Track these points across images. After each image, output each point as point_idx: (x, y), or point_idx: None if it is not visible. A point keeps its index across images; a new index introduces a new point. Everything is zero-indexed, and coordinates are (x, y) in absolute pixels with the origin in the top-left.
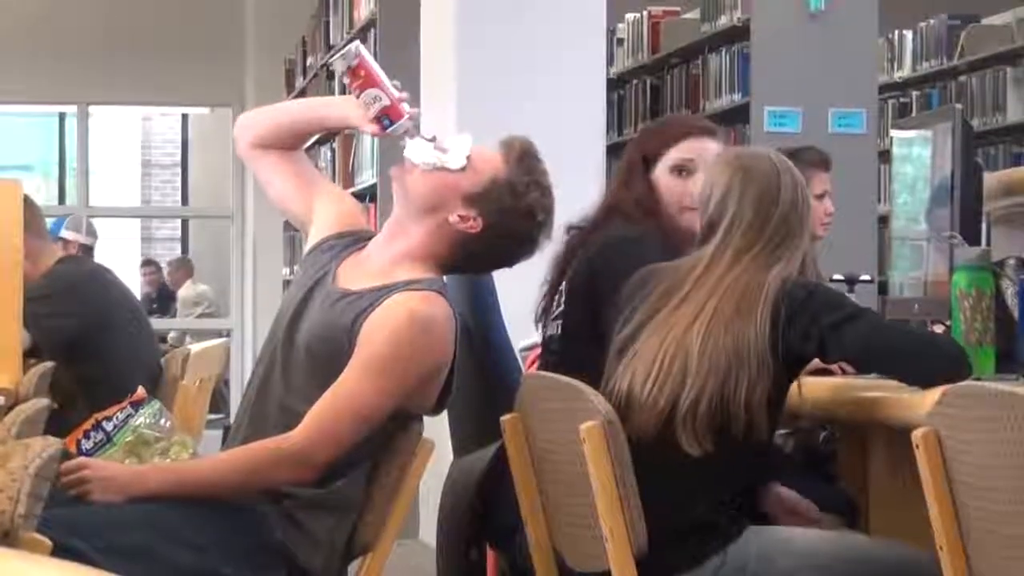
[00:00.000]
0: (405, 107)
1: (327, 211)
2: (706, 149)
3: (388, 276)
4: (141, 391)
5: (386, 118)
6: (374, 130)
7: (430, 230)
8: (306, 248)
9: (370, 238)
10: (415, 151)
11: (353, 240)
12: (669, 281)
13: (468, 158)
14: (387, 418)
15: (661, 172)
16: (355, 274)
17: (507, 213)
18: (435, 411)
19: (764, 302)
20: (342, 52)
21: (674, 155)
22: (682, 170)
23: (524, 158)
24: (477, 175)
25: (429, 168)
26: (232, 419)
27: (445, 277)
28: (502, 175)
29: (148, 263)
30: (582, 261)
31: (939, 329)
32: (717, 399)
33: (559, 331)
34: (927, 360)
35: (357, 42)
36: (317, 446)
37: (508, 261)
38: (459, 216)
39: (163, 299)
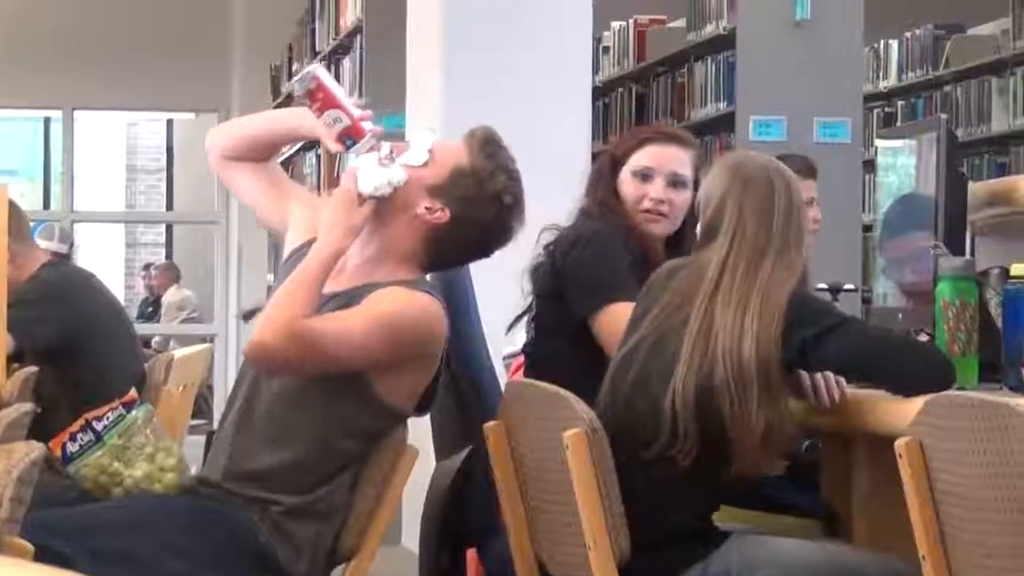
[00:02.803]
0: (367, 125)
1: (302, 217)
2: (669, 156)
3: (368, 276)
4: (133, 393)
5: (348, 138)
6: (339, 149)
7: (401, 226)
8: (284, 255)
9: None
10: (365, 180)
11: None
12: (678, 292)
13: (430, 151)
14: (370, 413)
15: (624, 175)
16: (334, 277)
17: (473, 201)
18: (417, 412)
19: (778, 318)
20: (299, 76)
21: (635, 160)
22: (642, 175)
23: (486, 145)
24: (440, 167)
25: (380, 197)
26: (215, 425)
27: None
28: (465, 163)
29: (149, 267)
30: (547, 263)
31: (923, 339)
32: (739, 415)
33: (532, 332)
34: (912, 370)
35: (315, 64)
36: (296, 339)
37: (483, 250)
38: (426, 208)
39: (154, 305)
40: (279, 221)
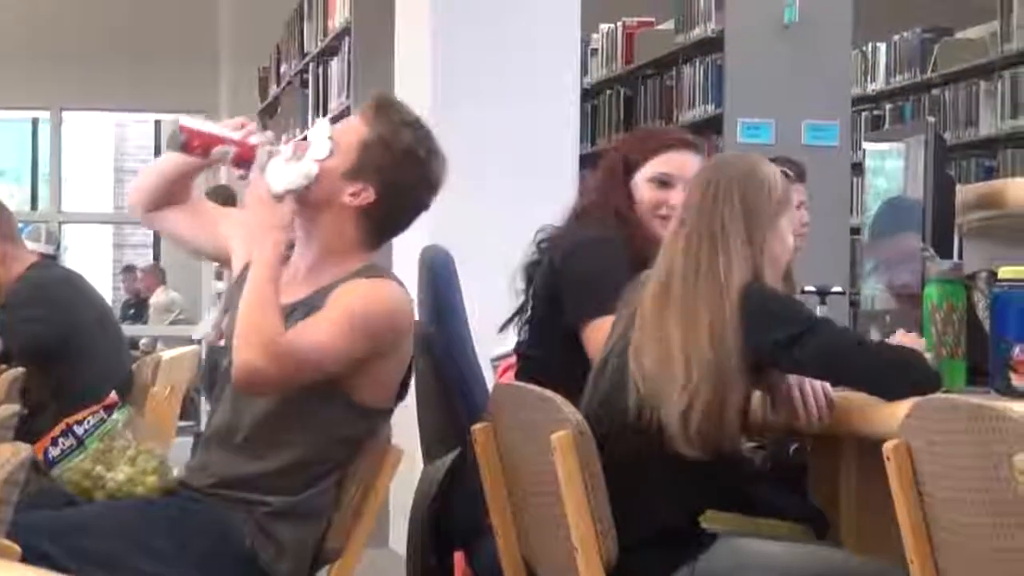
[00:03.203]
0: (253, 139)
1: (239, 240)
2: (688, 164)
3: (321, 278)
4: (113, 396)
5: (244, 162)
6: (243, 173)
7: (334, 221)
8: (232, 281)
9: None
10: (277, 180)
11: None
12: (649, 290)
13: (331, 139)
14: (353, 418)
15: (640, 180)
16: (289, 289)
17: (390, 168)
18: (396, 401)
19: (727, 311)
20: (168, 137)
21: (655, 166)
22: (661, 182)
23: (380, 110)
24: (346, 150)
25: (297, 190)
26: (203, 427)
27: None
28: (367, 136)
29: (128, 269)
30: (547, 263)
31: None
32: (709, 409)
33: (526, 335)
34: (892, 373)
35: (177, 119)
36: (284, 358)
37: (419, 208)
38: (350, 195)
39: (139, 306)
40: (219, 251)
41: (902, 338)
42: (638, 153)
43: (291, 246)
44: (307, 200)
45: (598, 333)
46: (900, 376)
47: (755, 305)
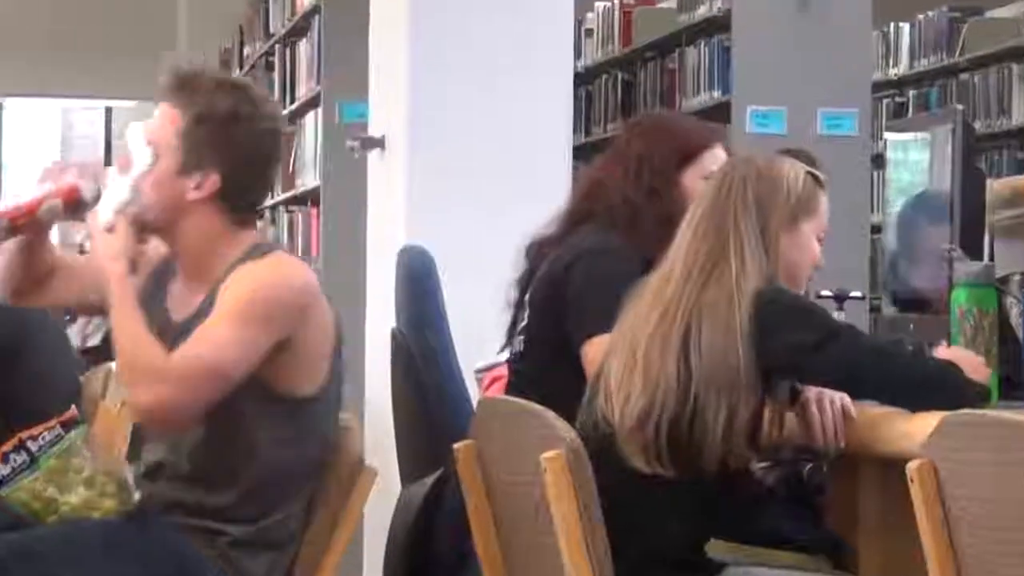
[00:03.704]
0: (69, 178)
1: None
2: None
3: (204, 284)
4: (73, 410)
5: (76, 205)
6: (81, 220)
7: (193, 221)
8: None
9: (158, 271)
10: (103, 208)
11: (154, 283)
12: (645, 297)
13: (150, 143)
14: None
15: (690, 182)
16: (180, 301)
17: (220, 142)
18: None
19: (739, 315)
20: None
21: (710, 163)
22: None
23: (183, 86)
24: (167, 146)
25: (129, 207)
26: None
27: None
28: (181, 120)
29: None
30: (545, 272)
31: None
32: (695, 425)
33: (521, 347)
34: (922, 386)
35: None
36: (181, 382)
37: (272, 162)
38: (194, 189)
39: None
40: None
41: (949, 353)
42: (698, 144)
43: (158, 271)
44: (156, 217)
45: (597, 353)
46: (933, 393)
47: (771, 310)
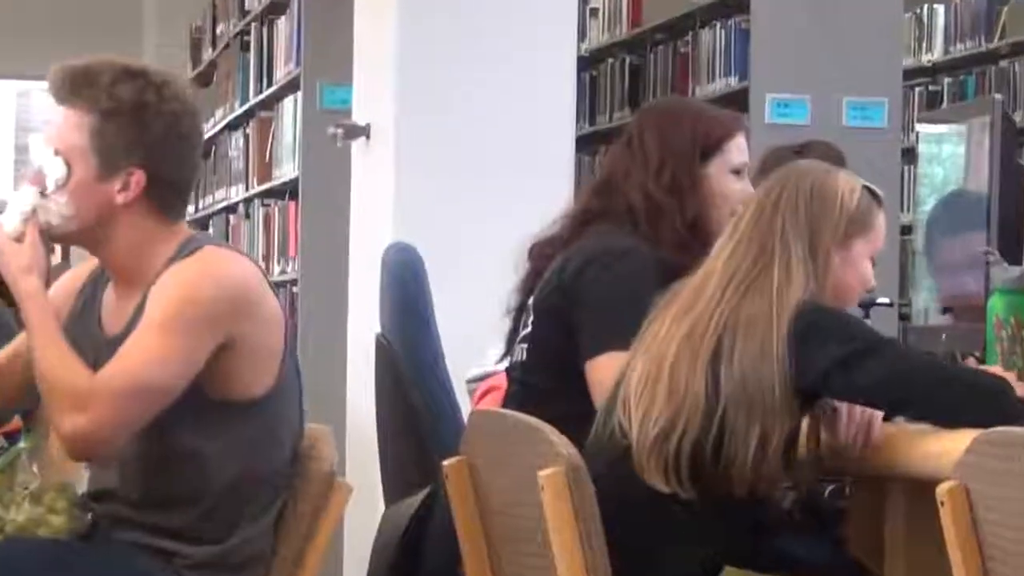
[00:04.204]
0: None
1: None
2: (746, 148)
3: (136, 290)
4: (16, 421)
5: None
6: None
7: (124, 225)
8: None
9: (87, 285)
10: (8, 222)
11: (83, 300)
12: (673, 306)
13: (58, 153)
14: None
15: (717, 173)
16: (115, 313)
17: (136, 136)
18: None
19: (776, 332)
20: None
21: (730, 153)
22: (736, 171)
23: (77, 84)
24: (80, 152)
25: (39, 216)
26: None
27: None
28: (88, 122)
29: None
30: (553, 275)
31: (970, 363)
32: (723, 446)
33: (524, 356)
34: (967, 403)
35: None
36: (111, 401)
37: (196, 146)
38: (120, 192)
39: None
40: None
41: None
42: (718, 135)
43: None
44: (80, 229)
45: (604, 371)
46: (987, 408)
47: (811, 324)
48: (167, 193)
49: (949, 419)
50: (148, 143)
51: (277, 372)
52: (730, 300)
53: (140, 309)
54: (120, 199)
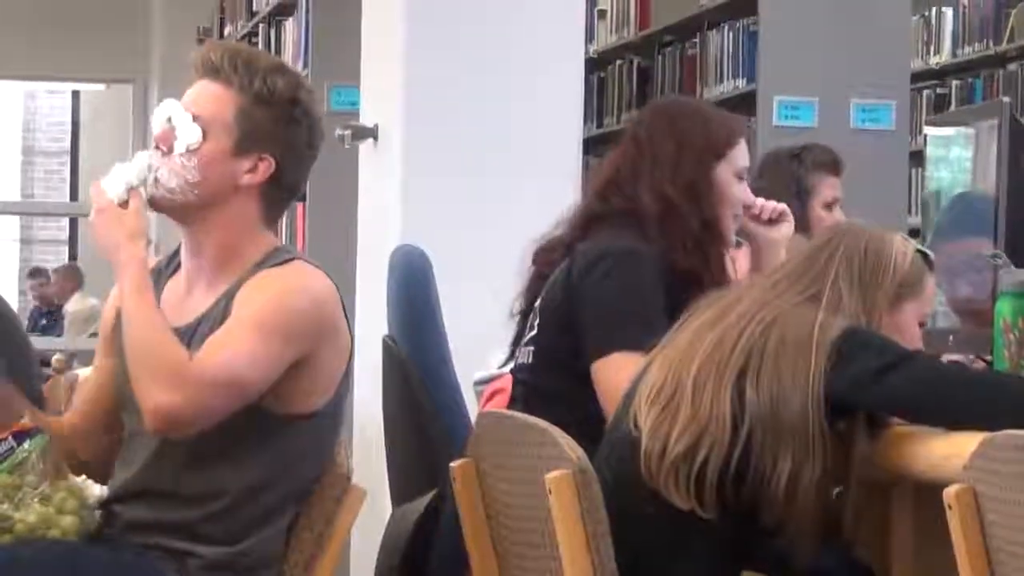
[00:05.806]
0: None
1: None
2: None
3: (223, 279)
4: (27, 420)
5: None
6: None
7: (236, 207)
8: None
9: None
10: (114, 185)
11: None
12: (699, 315)
13: (196, 119)
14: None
15: (725, 176)
16: (181, 306)
17: (276, 128)
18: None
19: (816, 359)
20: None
21: (741, 158)
22: (740, 176)
23: (238, 64)
24: (220, 124)
25: (140, 184)
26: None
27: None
28: (239, 100)
29: (36, 272)
30: (561, 275)
31: (979, 366)
32: (748, 472)
33: (530, 359)
34: (1002, 410)
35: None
36: (199, 387)
37: (314, 158)
38: (247, 173)
39: (52, 316)
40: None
41: None
42: (726, 137)
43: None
44: (198, 198)
45: (610, 372)
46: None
47: (845, 338)
48: (279, 193)
49: (991, 425)
50: (286, 138)
51: (331, 396)
52: (764, 320)
53: (215, 307)
54: (245, 180)
